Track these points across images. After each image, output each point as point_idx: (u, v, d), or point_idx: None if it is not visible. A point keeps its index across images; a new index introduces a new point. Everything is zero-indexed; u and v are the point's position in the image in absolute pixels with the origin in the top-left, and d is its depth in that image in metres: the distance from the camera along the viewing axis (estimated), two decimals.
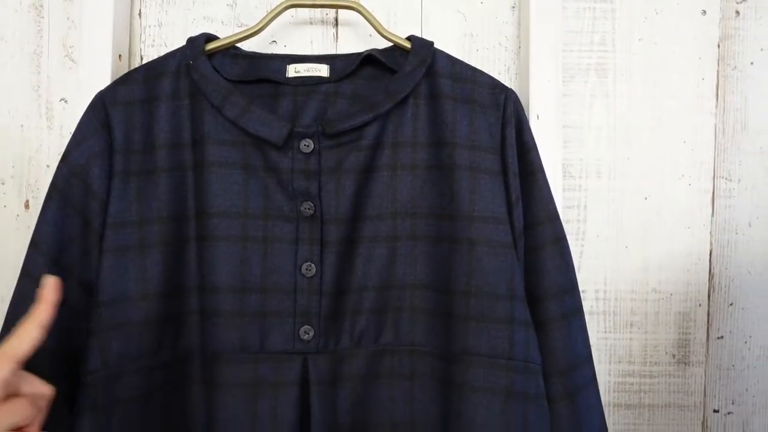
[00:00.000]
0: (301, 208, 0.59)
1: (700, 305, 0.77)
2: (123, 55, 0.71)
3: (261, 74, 0.64)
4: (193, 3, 0.75)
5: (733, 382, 0.77)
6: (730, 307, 0.77)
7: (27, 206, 0.74)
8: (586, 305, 0.75)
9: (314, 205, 0.59)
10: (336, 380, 0.59)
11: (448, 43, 0.75)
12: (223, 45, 0.64)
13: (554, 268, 0.60)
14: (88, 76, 0.67)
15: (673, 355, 0.77)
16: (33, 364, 0.55)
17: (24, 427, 0.46)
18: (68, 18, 0.74)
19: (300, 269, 0.59)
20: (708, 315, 0.77)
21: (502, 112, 0.61)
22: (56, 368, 0.55)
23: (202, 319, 0.59)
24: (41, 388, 0.47)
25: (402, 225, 0.61)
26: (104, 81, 0.66)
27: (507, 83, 0.73)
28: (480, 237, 0.59)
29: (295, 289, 0.59)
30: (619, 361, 0.77)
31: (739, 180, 0.77)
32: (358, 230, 0.61)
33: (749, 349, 0.77)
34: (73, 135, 0.59)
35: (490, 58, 0.76)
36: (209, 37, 0.64)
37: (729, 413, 0.77)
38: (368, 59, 0.65)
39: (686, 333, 0.77)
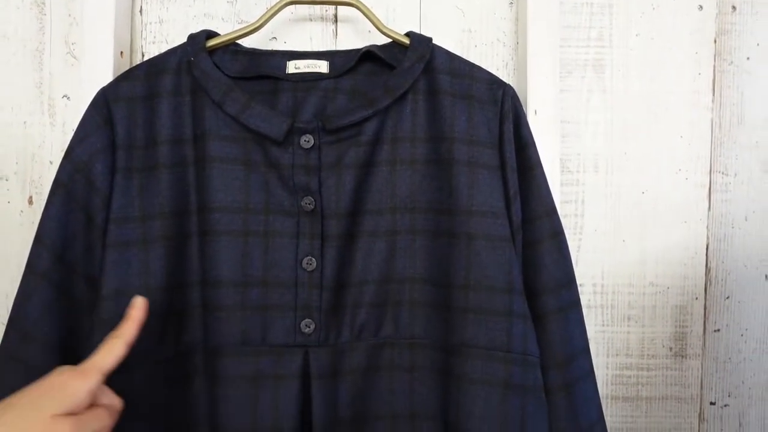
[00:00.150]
0: (302, 203, 0.60)
1: (696, 298, 0.78)
2: (124, 52, 0.72)
3: (261, 70, 0.65)
4: (194, 0, 0.76)
5: (730, 375, 0.78)
6: (726, 300, 0.78)
7: (30, 202, 0.74)
8: (584, 299, 0.76)
9: (314, 200, 0.60)
10: (337, 373, 0.60)
11: (446, 39, 0.76)
12: (224, 42, 0.64)
13: (552, 262, 0.61)
14: (90, 72, 0.67)
15: (670, 348, 0.77)
16: (40, 359, 0.56)
17: None
18: (70, 15, 0.75)
19: (301, 263, 0.60)
20: (705, 308, 0.78)
21: (500, 107, 0.61)
22: (62, 361, 0.56)
23: (204, 312, 0.59)
24: (114, 400, 0.50)
25: (401, 219, 0.61)
26: (106, 78, 0.66)
27: (505, 79, 0.74)
28: (478, 231, 0.59)
29: (296, 283, 0.60)
30: (617, 354, 0.77)
31: (736, 174, 0.78)
32: (358, 225, 0.61)
33: (745, 341, 0.78)
34: (75, 131, 0.60)
35: (488, 54, 0.77)
36: (210, 34, 0.64)
37: (725, 405, 0.78)
38: (367, 55, 0.65)
39: (683, 326, 0.77)
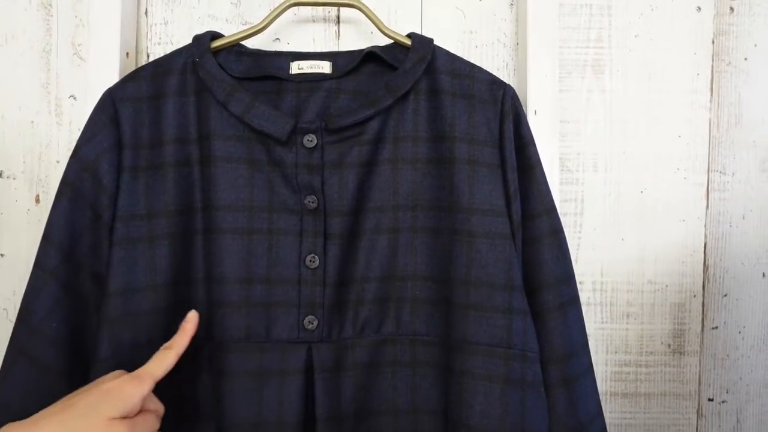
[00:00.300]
0: (305, 202, 0.61)
1: (694, 296, 0.78)
2: (130, 53, 0.73)
3: (265, 71, 0.65)
4: (198, 1, 0.77)
5: (727, 372, 0.79)
6: (724, 298, 0.79)
7: (37, 201, 0.75)
8: (584, 296, 0.77)
9: (317, 199, 0.61)
10: (339, 368, 0.60)
11: (447, 39, 0.77)
12: (228, 43, 0.65)
13: (551, 259, 0.61)
14: (97, 73, 0.68)
15: (669, 345, 0.78)
16: (48, 354, 0.57)
17: None
18: (76, 16, 0.75)
19: (304, 261, 0.61)
20: (702, 306, 0.78)
21: (500, 107, 0.62)
22: (69, 356, 0.57)
23: (209, 309, 0.60)
24: (159, 406, 0.53)
25: (403, 217, 0.62)
26: (112, 78, 0.67)
27: (505, 79, 0.75)
28: (479, 229, 0.60)
29: (299, 280, 0.61)
30: (616, 351, 0.78)
31: (733, 173, 0.78)
32: (361, 223, 0.62)
33: (743, 339, 0.79)
34: (83, 131, 0.61)
35: (488, 55, 0.78)
36: (214, 35, 0.65)
37: (723, 402, 0.79)
38: (370, 56, 0.66)
39: (681, 323, 0.78)
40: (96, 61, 0.69)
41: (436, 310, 0.62)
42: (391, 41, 0.66)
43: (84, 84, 0.75)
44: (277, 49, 0.75)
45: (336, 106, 0.64)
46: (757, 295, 0.79)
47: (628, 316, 0.78)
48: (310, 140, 0.61)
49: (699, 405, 0.79)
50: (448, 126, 0.62)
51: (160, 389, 0.52)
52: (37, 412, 0.51)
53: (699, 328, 0.78)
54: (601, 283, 0.78)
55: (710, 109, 0.78)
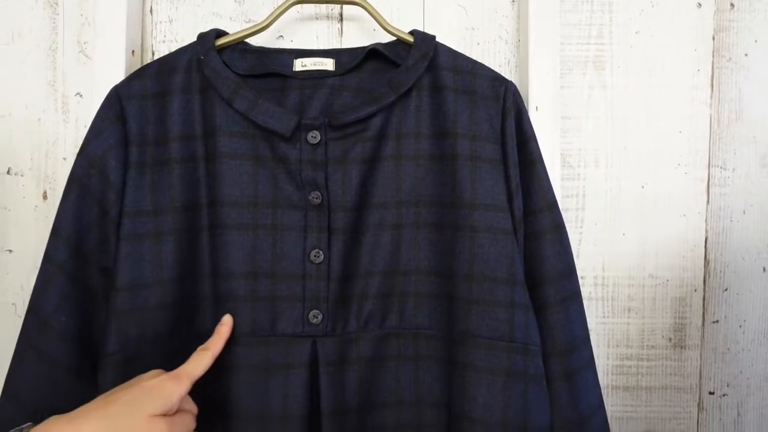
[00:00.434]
0: (309, 197, 0.61)
1: (695, 290, 0.79)
2: (135, 51, 0.74)
3: (269, 68, 0.66)
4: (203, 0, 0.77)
5: (728, 365, 0.79)
6: (724, 292, 0.79)
7: (45, 197, 0.76)
8: (585, 291, 0.77)
9: (321, 195, 0.61)
10: (344, 362, 0.61)
11: (449, 36, 0.77)
12: (233, 40, 0.66)
13: (553, 254, 0.62)
14: (102, 71, 0.69)
15: (670, 339, 0.79)
16: (57, 348, 0.58)
17: None
18: (82, 15, 0.76)
19: (308, 256, 0.61)
20: (703, 300, 0.79)
21: (502, 103, 0.63)
22: (78, 351, 0.58)
23: (215, 303, 0.61)
24: (193, 406, 0.54)
25: (406, 213, 0.63)
26: (118, 76, 0.68)
27: (507, 76, 0.75)
28: (481, 224, 0.60)
29: (303, 275, 0.61)
30: (617, 345, 0.79)
31: (734, 169, 0.79)
32: (364, 218, 0.63)
33: (743, 332, 0.79)
34: (89, 128, 0.61)
35: (490, 51, 0.78)
36: (219, 33, 0.65)
37: (724, 395, 0.79)
38: (372, 53, 0.66)
39: (682, 317, 0.79)
40: (102, 59, 0.69)
41: (439, 304, 0.62)
42: (394, 38, 0.67)
43: (90, 82, 0.75)
44: (281, 47, 0.76)
45: (339, 103, 0.65)
46: (757, 290, 0.79)
47: (629, 310, 0.79)
48: (314, 137, 0.61)
49: (700, 398, 0.79)
50: (451, 122, 0.62)
51: None
52: (47, 404, 0.52)
53: (700, 322, 0.79)
54: (603, 277, 0.78)
55: (711, 104, 0.79)
